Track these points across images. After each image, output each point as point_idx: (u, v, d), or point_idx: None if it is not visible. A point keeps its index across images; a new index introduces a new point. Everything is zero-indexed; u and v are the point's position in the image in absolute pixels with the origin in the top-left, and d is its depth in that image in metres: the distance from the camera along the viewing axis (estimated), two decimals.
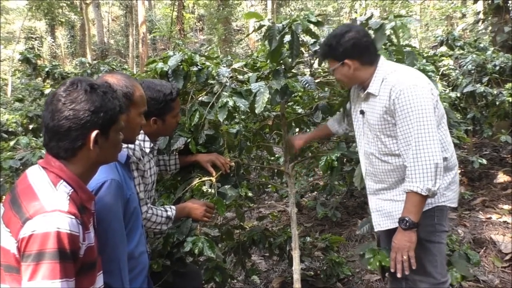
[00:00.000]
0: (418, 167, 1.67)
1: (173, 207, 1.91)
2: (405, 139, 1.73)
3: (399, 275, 1.75)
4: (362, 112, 1.93)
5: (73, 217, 1.06)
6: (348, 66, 1.83)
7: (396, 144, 1.80)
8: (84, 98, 1.12)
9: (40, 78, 5.43)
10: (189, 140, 2.11)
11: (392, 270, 1.77)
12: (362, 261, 1.96)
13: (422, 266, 1.79)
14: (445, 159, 1.81)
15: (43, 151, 2.72)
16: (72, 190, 1.13)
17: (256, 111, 1.96)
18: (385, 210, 1.91)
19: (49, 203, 1.06)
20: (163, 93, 1.83)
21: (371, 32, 1.98)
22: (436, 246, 1.84)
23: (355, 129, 2.04)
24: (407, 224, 1.70)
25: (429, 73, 2.19)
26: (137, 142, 1.74)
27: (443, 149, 1.81)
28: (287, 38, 2.07)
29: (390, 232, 1.94)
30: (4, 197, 2.72)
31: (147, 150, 1.84)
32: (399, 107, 1.71)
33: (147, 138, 1.85)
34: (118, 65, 6.76)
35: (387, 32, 1.98)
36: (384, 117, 1.80)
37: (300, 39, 2.09)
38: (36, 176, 1.13)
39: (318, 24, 2.04)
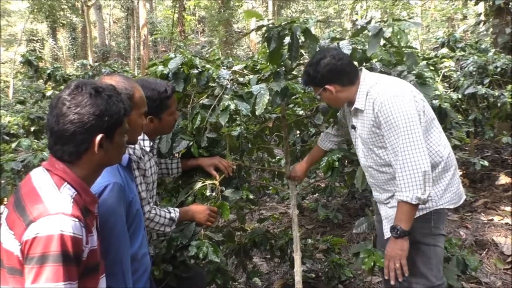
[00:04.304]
0: (406, 176, 1.68)
1: (176, 209, 1.90)
2: (392, 150, 1.75)
3: (392, 283, 1.77)
4: (353, 127, 1.96)
5: (77, 220, 1.06)
6: (330, 91, 1.87)
7: (389, 155, 1.81)
8: (89, 102, 1.12)
9: (41, 80, 5.45)
10: (191, 143, 2.11)
11: (385, 277, 1.79)
12: (356, 260, 1.98)
13: (417, 268, 1.80)
14: (439, 163, 1.82)
15: (45, 153, 2.73)
16: (76, 192, 1.13)
17: (257, 113, 1.96)
18: (390, 216, 1.93)
19: (53, 205, 1.06)
20: (158, 91, 1.82)
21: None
22: (432, 249, 1.85)
23: (353, 143, 2.07)
24: (398, 232, 1.71)
25: (427, 79, 2.19)
26: None
27: (439, 153, 1.82)
28: (287, 40, 2.07)
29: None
30: (6, 199, 2.74)
31: (147, 149, 1.84)
32: (383, 119, 1.75)
33: (146, 137, 1.85)
34: (120, 67, 6.77)
35: (388, 35, 1.99)
36: (373, 130, 1.83)
37: (300, 40, 2.09)
38: (40, 178, 1.14)
39: (307, 34, 2.04)
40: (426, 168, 1.66)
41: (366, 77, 1.88)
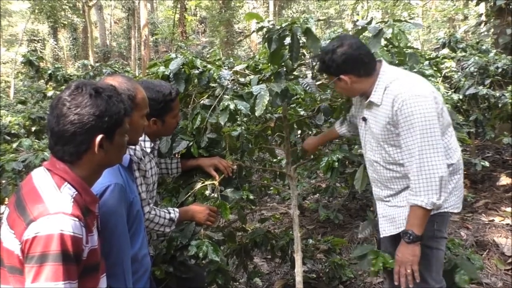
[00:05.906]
0: (423, 180, 1.64)
1: (176, 209, 1.90)
2: (408, 150, 1.69)
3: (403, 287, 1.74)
4: (364, 119, 1.90)
5: (77, 219, 1.06)
6: (344, 81, 1.80)
7: (400, 154, 1.77)
8: (89, 102, 1.12)
9: (42, 81, 5.46)
10: (191, 143, 2.11)
11: (396, 283, 1.77)
12: (362, 263, 1.95)
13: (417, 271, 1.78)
14: (450, 165, 1.78)
15: (46, 153, 2.73)
16: (76, 192, 1.13)
17: (256, 114, 1.95)
18: (390, 215, 1.90)
19: (53, 205, 1.06)
20: (162, 93, 1.82)
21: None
22: (434, 252, 1.82)
23: (360, 135, 2.01)
24: (411, 237, 1.68)
25: (429, 77, 2.18)
26: None
27: (448, 157, 1.78)
28: (288, 40, 2.07)
29: (393, 237, 1.93)
30: (7, 199, 2.75)
31: (148, 150, 1.84)
32: (402, 117, 1.68)
33: (147, 138, 1.85)
34: (120, 67, 6.77)
35: (388, 36, 1.98)
36: (387, 127, 1.76)
37: (301, 41, 2.09)
38: (41, 178, 1.14)
39: (308, 34, 2.02)
40: (443, 173, 1.62)
41: (386, 71, 1.80)
